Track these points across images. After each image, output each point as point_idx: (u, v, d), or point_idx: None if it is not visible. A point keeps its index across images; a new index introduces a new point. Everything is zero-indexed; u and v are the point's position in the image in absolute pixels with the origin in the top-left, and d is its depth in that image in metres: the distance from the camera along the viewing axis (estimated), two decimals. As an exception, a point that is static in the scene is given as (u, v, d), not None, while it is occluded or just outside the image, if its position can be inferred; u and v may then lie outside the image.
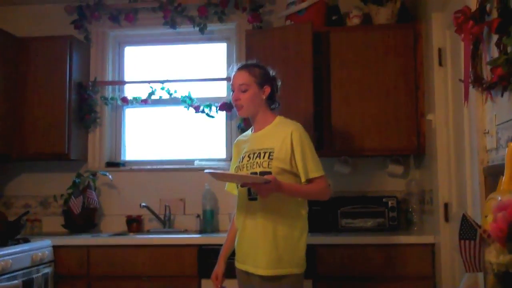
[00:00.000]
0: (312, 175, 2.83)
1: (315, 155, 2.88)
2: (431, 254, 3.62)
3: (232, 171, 3.06)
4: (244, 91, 2.90)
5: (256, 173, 2.82)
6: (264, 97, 2.93)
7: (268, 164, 2.81)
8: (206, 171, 2.82)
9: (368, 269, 3.66)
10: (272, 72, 3.03)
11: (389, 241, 3.70)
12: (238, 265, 2.95)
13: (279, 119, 3.00)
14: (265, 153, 2.85)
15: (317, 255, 3.65)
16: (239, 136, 3.21)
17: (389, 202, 4.09)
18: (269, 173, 2.77)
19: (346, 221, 4.11)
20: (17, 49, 4.40)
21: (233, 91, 2.95)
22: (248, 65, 2.98)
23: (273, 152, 2.83)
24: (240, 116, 3.17)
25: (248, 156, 2.91)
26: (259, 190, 2.72)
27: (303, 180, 2.83)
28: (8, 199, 4.74)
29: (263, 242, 2.79)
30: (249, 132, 3.11)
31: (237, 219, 2.97)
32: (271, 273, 2.75)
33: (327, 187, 2.90)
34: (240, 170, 2.91)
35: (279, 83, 3.05)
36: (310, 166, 2.83)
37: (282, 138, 2.86)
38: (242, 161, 2.94)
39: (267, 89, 2.93)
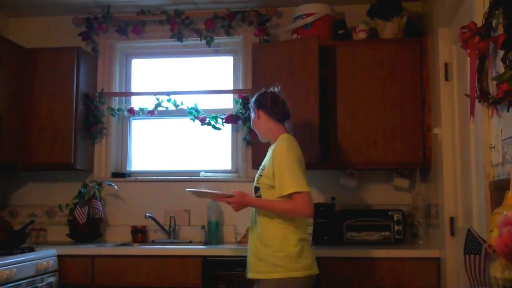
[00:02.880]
0: (286, 191, 2.94)
1: (295, 172, 2.98)
2: (436, 268, 3.61)
3: None
4: (251, 120, 3.32)
5: (254, 187, 3.14)
6: (259, 119, 3.23)
7: (258, 180, 3.13)
8: (187, 190, 3.21)
9: (373, 282, 3.65)
10: (273, 89, 3.29)
11: (394, 255, 3.69)
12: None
13: (282, 136, 3.16)
14: (261, 169, 3.15)
15: (322, 268, 3.63)
16: None
17: (395, 216, 4.08)
18: (259, 188, 3.10)
19: (351, 234, 4.11)
20: (25, 60, 4.44)
21: None
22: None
23: (264, 169, 3.10)
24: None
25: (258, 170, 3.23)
26: (230, 204, 3.07)
27: (276, 195, 2.97)
28: (14, 208, 4.76)
29: (251, 251, 3.12)
30: None
31: None
32: (253, 276, 3.08)
33: (305, 204, 2.95)
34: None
35: (274, 98, 3.24)
36: (286, 182, 2.95)
37: (270, 155, 3.10)
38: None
39: (258, 112, 3.23)
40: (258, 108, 3.24)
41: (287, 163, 2.99)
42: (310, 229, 3.25)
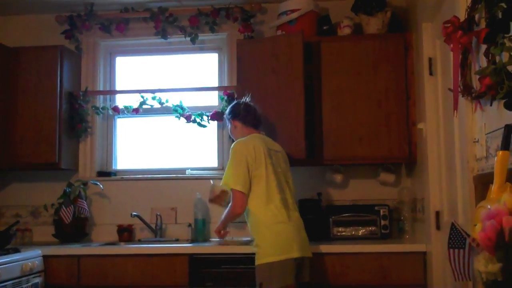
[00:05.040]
0: (223, 184, 3.45)
1: (230, 169, 3.37)
2: (422, 262, 3.63)
3: None
4: (229, 130, 3.76)
5: None
6: (236, 128, 3.63)
7: None
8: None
9: (360, 277, 3.66)
10: (244, 99, 3.71)
11: (381, 250, 3.70)
12: None
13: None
14: None
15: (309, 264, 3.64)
16: None
17: (381, 211, 4.10)
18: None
19: (338, 229, 4.12)
20: (8, 59, 4.39)
21: None
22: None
23: None
24: None
25: None
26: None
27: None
28: (-2, 209, 4.72)
29: None
30: None
31: None
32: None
33: (233, 200, 3.36)
34: None
35: (248, 106, 3.65)
36: (224, 177, 3.43)
37: None
38: None
39: (234, 122, 3.64)
40: (233, 119, 3.63)
41: (230, 160, 3.40)
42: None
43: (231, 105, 3.75)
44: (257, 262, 3.28)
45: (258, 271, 3.27)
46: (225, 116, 3.79)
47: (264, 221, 3.30)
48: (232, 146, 3.45)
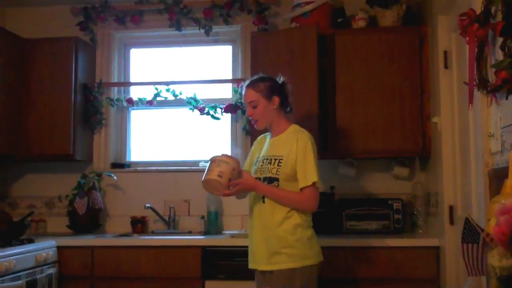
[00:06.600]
0: (310, 181, 2.95)
1: (317, 164, 2.98)
2: (435, 257, 3.61)
3: (246, 166, 3.23)
4: (255, 107, 3.08)
5: (266, 178, 3.02)
6: (275, 107, 3.08)
7: (277, 171, 3.00)
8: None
9: (373, 271, 3.65)
10: (280, 79, 3.17)
11: (394, 244, 3.69)
12: (251, 265, 3.11)
13: (293, 127, 3.14)
14: (275, 160, 3.03)
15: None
16: (262, 134, 3.32)
17: (394, 205, 4.07)
18: (277, 179, 2.99)
19: (351, 223, 4.11)
20: (23, 50, 4.42)
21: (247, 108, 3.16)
22: (253, 82, 3.13)
23: (282, 160, 3.00)
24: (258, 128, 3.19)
25: (262, 161, 3.10)
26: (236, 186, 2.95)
27: (300, 185, 2.97)
28: (13, 199, 4.75)
29: (259, 242, 3.03)
30: (269, 135, 3.23)
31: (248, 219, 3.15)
32: (265, 268, 2.99)
33: (311, 198, 2.97)
34: (255, 173, 3.10)
35: (290, 88, 3.18)
36: (310, 173, 2.96)
37: (290, 146, 3.01)
38: (256, 164, 3.11)
39: (276, 99, 3.08)
40: (275, 95, 3.07)
41: (312, 154, 2.99)
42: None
43: (268, 79, 3.13)
44: (294, 265, 2.91)
45: (300, 274, 2.91)
46: (257, 88, 3.08)
47: (301, 223, 2.98)
48: (307, 137, 3.03)
